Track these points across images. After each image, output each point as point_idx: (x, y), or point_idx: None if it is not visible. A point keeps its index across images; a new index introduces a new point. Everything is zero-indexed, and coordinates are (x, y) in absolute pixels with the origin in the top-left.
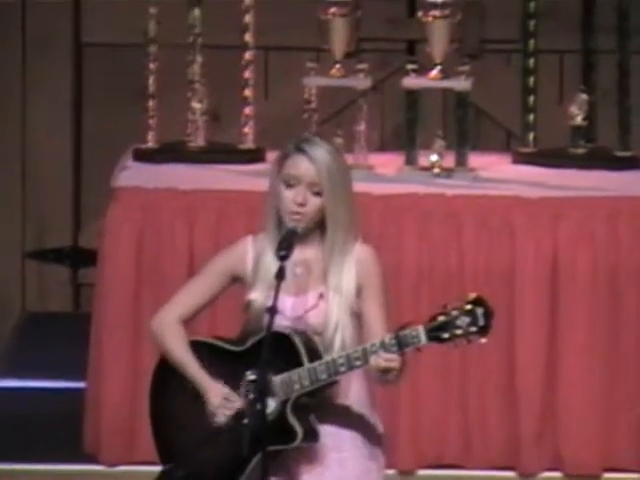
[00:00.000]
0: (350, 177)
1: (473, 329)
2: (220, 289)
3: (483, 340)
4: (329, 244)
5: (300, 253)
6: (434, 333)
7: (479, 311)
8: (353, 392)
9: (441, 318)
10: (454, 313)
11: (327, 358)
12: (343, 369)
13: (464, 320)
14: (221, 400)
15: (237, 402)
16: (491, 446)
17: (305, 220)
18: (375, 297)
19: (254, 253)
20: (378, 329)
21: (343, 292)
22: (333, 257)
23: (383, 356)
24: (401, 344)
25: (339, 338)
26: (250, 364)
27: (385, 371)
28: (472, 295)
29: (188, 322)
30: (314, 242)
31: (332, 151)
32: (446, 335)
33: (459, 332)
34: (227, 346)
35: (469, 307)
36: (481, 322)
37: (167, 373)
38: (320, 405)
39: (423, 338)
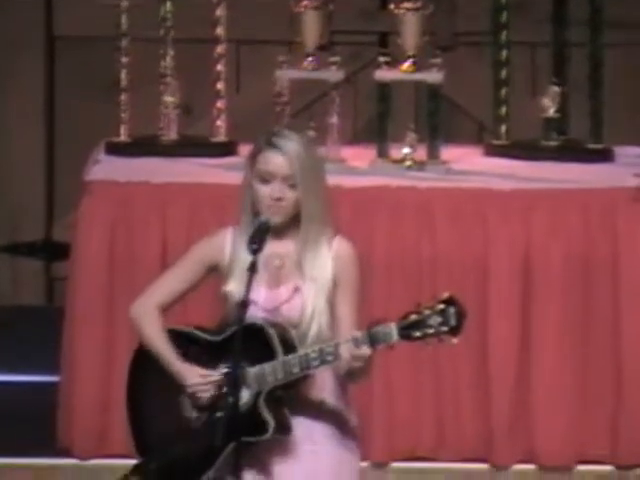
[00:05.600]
0: (323, 169)
1: (444, 329)
2: (199, 278)
3: (454, 340)
4: (303, 235)
5: (277, 246)
6: (406, 331)
7: (451, 311)
8: (329, 385)
9: (413, 317)
10: (426, 312)
11: (300, 352)
12: (316, 363)
13: (436, 319)
14: (199, 379)
15: (215, 376)
16: (464, 438)
17: (283, 213)
18: (348, 295)
19: (232, 244)
20: (346, 329)
21: (319, 280)
22: (307, 247)
23: (351, 353)
24: (373, 340)
25: (315, 326)
26: (226, 354)
27: (353, 366)
28: (445, 294)
29: (166, 309)
30: (291, 235)
31: (304, 143)
32: (418, 334)
33: (431, 331)
34: (205, 335)
35: (441, 307)
36: (452, 322)
37: (144, 365)
38: (294, 398)
39: (395, 335)
